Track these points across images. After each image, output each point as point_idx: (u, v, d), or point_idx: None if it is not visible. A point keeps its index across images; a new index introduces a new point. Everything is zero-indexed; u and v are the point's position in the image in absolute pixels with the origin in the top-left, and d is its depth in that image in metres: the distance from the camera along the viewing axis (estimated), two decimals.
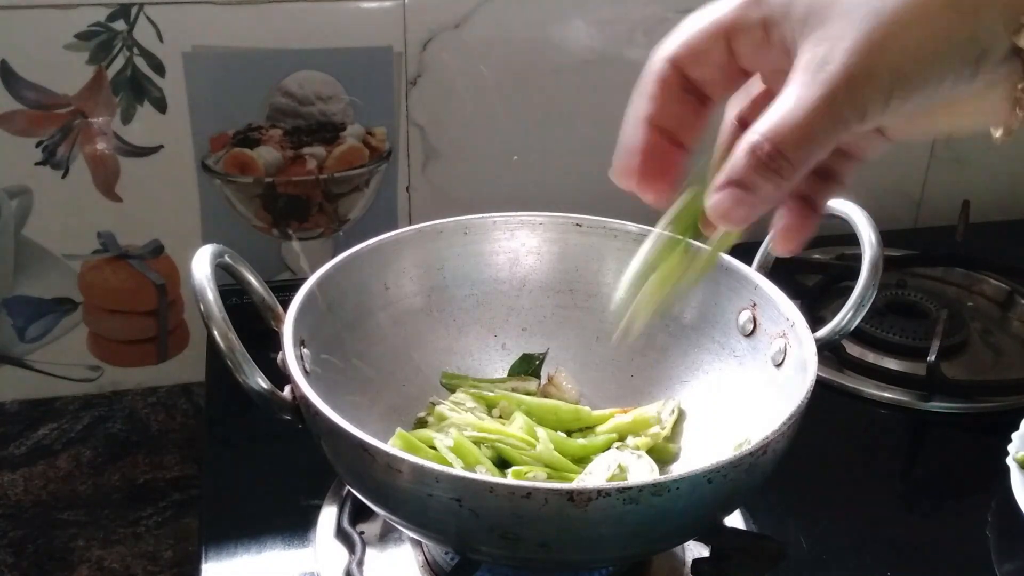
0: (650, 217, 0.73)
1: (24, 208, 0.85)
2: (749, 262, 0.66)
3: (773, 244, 0.45)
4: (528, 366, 0.70)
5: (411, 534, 0.56)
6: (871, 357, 0.85)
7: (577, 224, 0.71)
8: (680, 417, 0.66)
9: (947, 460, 0.75)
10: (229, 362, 0.52)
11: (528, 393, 0.67)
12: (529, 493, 0.45)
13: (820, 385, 0.54)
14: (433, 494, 0.47)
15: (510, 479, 0.58)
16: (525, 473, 0.59)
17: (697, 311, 0.67)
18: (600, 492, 0.45)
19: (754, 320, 0.64)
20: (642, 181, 0.45)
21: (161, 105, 0.85)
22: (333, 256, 0.64)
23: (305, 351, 0.58)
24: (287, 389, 0.55)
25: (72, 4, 0.79)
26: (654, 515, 0.47)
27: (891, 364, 0.84)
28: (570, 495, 0.45)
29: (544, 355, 0.70)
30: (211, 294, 0.53)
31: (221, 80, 0.85)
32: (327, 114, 0.89)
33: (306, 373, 0.55)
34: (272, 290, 0.61)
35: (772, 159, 0.38)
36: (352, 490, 0.59)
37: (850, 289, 0.62)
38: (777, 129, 0.38)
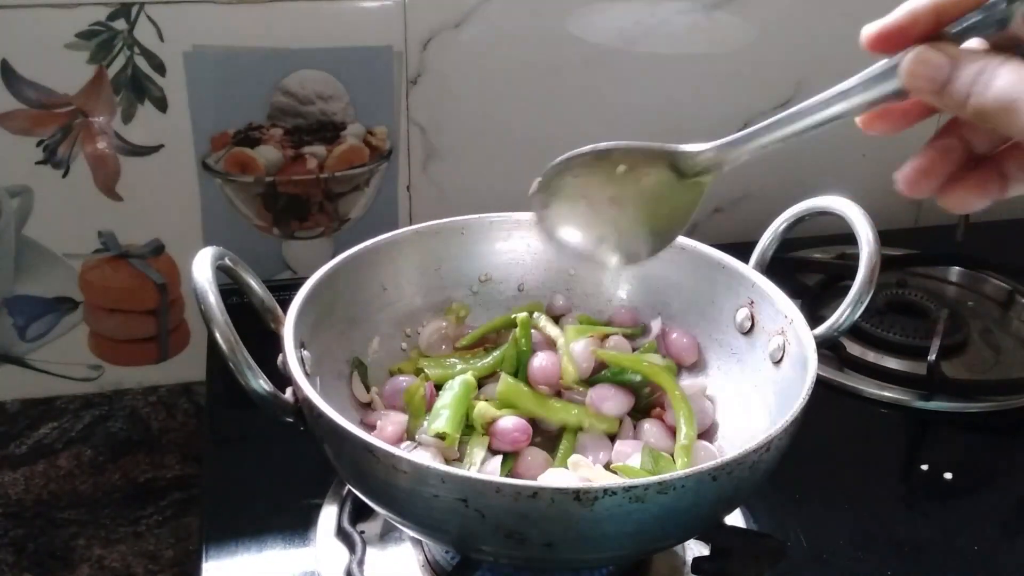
0: None
1: (25, 207, 0.85)
2: (746, 260, 0.66)
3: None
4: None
5: (413, 534, 0.56)
6: (871, 356, 0.85)
7: None
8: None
9: (947, 459, 0.75)
10: (231, 365, 0.52)
11: None
12: (535, 492, 0.45)
13: (820, 384, 0.54)
14: (438, 495, 0.47)
15: (516, 480, 0.58)
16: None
17: (694, 309, 0.68)
18: (606, 491, 0.45)
19: (752, 318, 0.64)
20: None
21: (162, 104, 0.85)
22: (333, 256, 0.64)
23: (306, 353, 0.57)
24: (288, 391, 0.55)
25: (73, 3, 0.79)
26: (659, 513, 0.47)
27: (891, 363, 0.84)
28: (576, 494, 0.45)
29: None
30: (212, 297, 0.52)
31: (222, 79, 0.85)
32: (328, 113, 0.89)
33: (307, 375, 0.55)
34: (272, 290, 0.61)
35: None
36: (355, 492, 0.59)
37: (850, 288, 0.62)
38: None
